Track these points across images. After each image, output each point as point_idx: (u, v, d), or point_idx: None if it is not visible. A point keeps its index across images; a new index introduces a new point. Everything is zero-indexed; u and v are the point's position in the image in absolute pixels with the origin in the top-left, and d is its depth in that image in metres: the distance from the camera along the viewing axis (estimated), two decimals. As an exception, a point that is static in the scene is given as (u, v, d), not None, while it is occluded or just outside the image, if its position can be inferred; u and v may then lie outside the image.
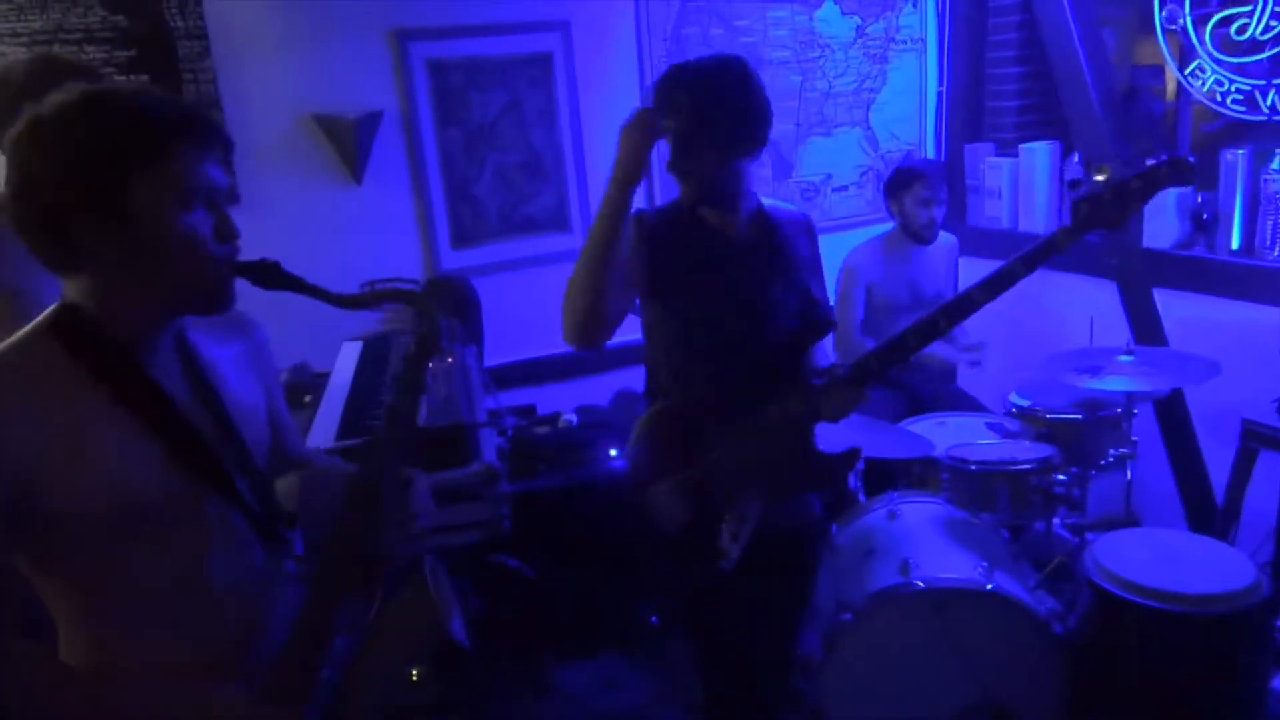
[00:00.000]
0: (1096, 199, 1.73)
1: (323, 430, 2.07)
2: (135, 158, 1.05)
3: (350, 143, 3.05)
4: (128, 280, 1.09)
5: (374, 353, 2.63)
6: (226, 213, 1.15)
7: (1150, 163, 1.74)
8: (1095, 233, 1.75)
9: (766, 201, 1.92)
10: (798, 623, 2.17)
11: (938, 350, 3.24)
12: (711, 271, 1.84)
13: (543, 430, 3.08)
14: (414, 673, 2.09)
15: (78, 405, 1.07)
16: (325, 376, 2.54)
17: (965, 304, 1.75)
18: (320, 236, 3.09)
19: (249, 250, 1.19)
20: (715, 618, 1.97)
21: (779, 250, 1.88)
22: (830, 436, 2.45)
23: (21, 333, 1.12)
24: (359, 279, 3.04)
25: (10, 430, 1.02)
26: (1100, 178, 1.78)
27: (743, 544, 1.82)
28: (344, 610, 1.21)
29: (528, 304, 3.44)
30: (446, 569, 1.33)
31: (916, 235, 3.22)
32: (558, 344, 3.66)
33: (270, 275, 1.18)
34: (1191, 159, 1.73)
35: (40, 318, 1.12)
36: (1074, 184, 1.84)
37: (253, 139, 2.94)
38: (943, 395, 3.27)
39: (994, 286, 1.74)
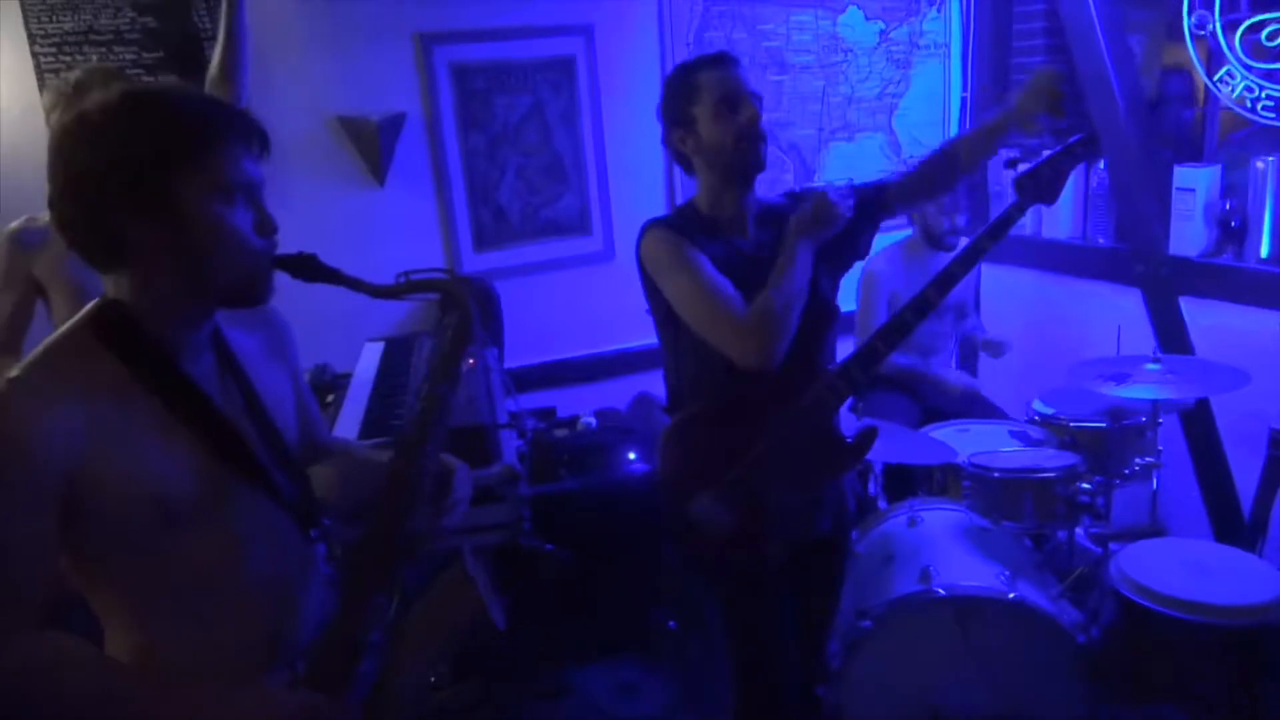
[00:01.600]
0: (1035, 175, 1.91)
1: (345, 430, 2.08)
2: (181, 154, 1.07)
3: (373, 145, 3.06)
4: (170, 275, 1.11)
5: (396, 353, 2.64)
6: (265, 207, 1.17)
7: (1068, 142, 1.92)
8: (1038, 204, 1.96)
9: (760, 199, 1.98)
10: (826, 625, 2.17)
11: (955, 380, 3.23)
12: (734, 273, 1.84)
13: (562, 433, 3.09)
14: (431, 677, 2.09)
15: (120, 401, 1.08)
16: (347, 377, 2.55)
17: (947, 279, 1.86)
18: (343, 237, 3.11)
19: (272, 250, 1.20)
20: (752, 619, 1.97)
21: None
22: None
23: (62, 330, 1.13)
24: (380, 280, 3.05)
25: (59, 427, 1.03)
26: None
27: (785, 540, 1.86)
28: (383, 597, 1.21)
29: (548, 307, 3.46)
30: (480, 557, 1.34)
31: (937, 242, 3.19)
32: (577, 347, 3.69)
33: (308, 267, 1.20)
34: (1098, 134, 2.08)
35: (80, 314, 1.14)
36: (1012, 163, 2.02)
37: (278, 140, 2.94)
38: (963, 405, 3.25)
39: (965, 262, 1.88)
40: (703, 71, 1.84)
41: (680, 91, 1.85)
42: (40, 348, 1.11)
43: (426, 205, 3.26)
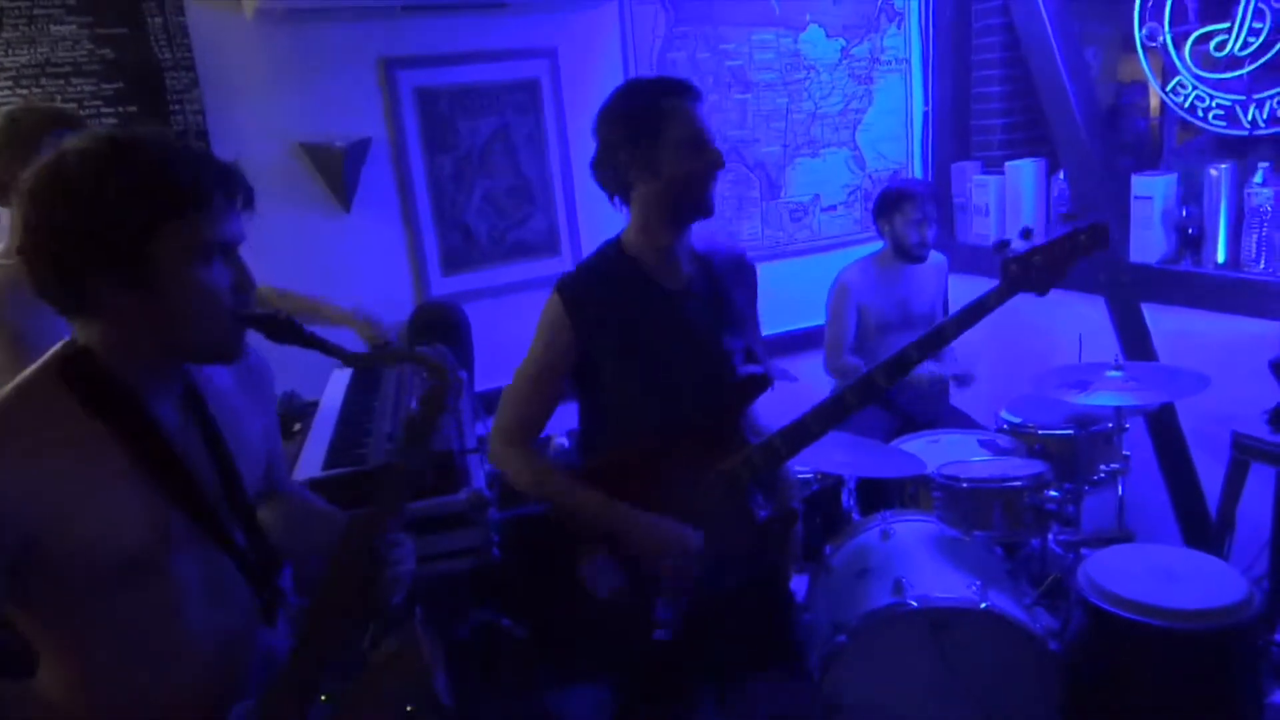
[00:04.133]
0: (1025, 261, 1.74)
1: (310, 459, 2.06)
2: (163, 213, 1.03)
3: (339, 171, 3.05)
4: (142, 329, 1.08)
5: (363, 381, 2.62)
6: (244, 265, 1.14)
7: (1071, 228, 1.75)
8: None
9: (701, 240, 1.87)
10: (781, 669, 2.08)
11: (925, 368, 3.25)
12: (655, 323, 1.76)
13: (535, 455, 3.07)
14: (409, 708, 2.07)
15: (83, 453, 1.06)
16: (314, 405, 2.53)
17: (903, 361, 1.75)
18: (310, 264, 3.09)
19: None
20: (661, 686, 1.89)
21: (720, 298, 1.83)
22: (820, 455, 2.44)
23: (27, 374, 1.10)
24: (349, 304, 3.02)
25: (19, 490, 1.00)
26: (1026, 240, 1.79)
27: (682, 612, 1.74)
28: (331, 658, 1.20)
29: (518, 329, 3.41)
30: (433, 625, 1.32)
31: (908, 255, 3.23)
32: (549, 368, 3.65)
33: (280, 329, 1.17)
34: (1107, 223, 1.78)
35: (46, 359, 1.11)
36: (1001, 245, 1.81)
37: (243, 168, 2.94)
38: (934, 413, 3.27)
39: (926, 345, 1.76)
40: (672, 99, 1.71)
41: (645, 114, 1.71)
42: (5, 398, 1.07)
43: (394, 229, 3.25)
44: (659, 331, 1.74)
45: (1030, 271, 1.73)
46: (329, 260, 3.14)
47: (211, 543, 1.16)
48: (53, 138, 1.91)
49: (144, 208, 1.03)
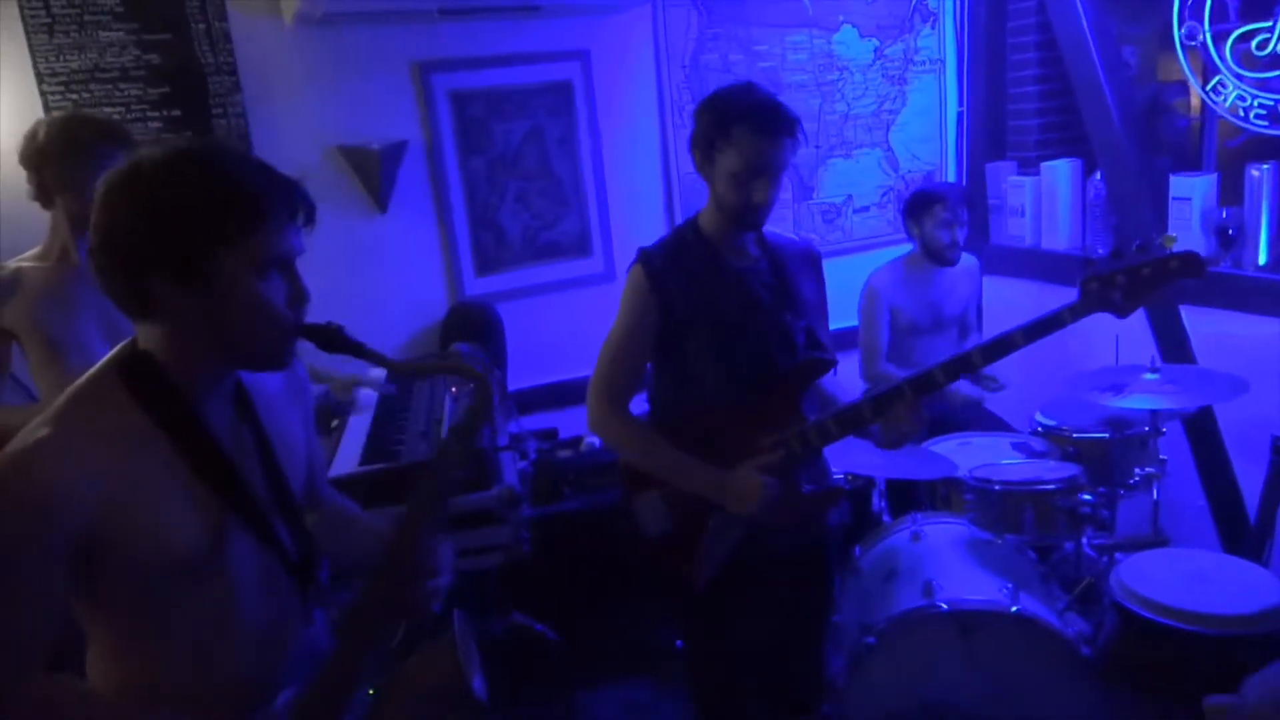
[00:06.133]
0: (1108, 280, 1.66)
1: (347, 456, 2.10)
2: (225, 226, 1.06)
3: (375, 173, 3.11)
4: (199, 334, 1.11)
5: (397, 380, 2.66)
6: (299, 278, 1.17)
7: (1162, 253, 1.66)
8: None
9: (770, 230, 1.98)
10: (807, 644, 2.16)
11: (963, 388, 3.25)
12: (722, 295, 1.87)
13: (565, 454, 3.10)
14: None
15: (139, 453, 1.09)
16: (350, 403, 2.58)
17: (965, 362, 1.79)
18: (347, 265, 3.15)
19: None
20: (700, 632, 2.02)
21: (784, 280, 1.94)
22: (851, 456, 2.45)
23: (88, 375, 1.14)
24: (385, 306, 3.09)
25: (80, 490, 1.03)
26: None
27: (715, 566, 1.87)
28: (370, 660, 1.22)
29: (550, 328, 3.48)
30: (473, 627, 1.34)
31: (938, 257, 3.21)
32: (580, 368, 3.70)
33: (332, 339, 1.20)
34: (1201, 254, 1.67)
35: (107, 359, 1.15)
36: (1086, 262, 1.74)
37: (281, 170, 3.00)
38: (966, 415, 3.25)
39: (991, 352, 1.75)
40: (742, 128, 1.75)
41: (713, 131, 1.79)
42: (67, 398, 1.11)
43: (428, 231, 3.30)
44: (725, 302, 1.86)
45: (1111, 292, 1.67)
46: (365, 261, 3.19)
47: (260, 544, 1.19)
48: (102, 149, 1.96)
49: (209, 218, 1.06)
